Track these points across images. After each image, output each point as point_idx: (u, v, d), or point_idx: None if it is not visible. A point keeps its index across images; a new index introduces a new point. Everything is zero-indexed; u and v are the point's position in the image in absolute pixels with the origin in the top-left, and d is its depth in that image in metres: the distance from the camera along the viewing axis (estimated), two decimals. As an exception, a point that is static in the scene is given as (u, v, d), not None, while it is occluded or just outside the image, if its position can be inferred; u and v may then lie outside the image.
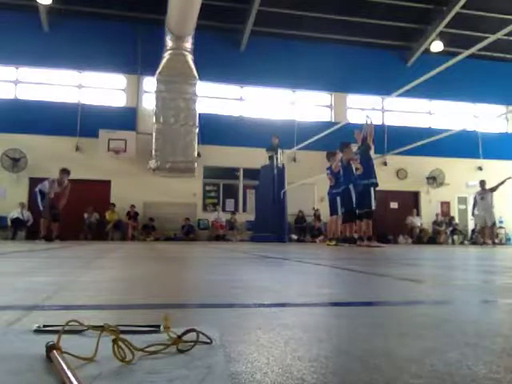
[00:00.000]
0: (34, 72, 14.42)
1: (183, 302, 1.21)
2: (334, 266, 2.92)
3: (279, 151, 11.30)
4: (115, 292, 1.42)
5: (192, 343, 0.61)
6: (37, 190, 9.39)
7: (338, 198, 8.50)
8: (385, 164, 15.00)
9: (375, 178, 7.80)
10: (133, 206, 13.77)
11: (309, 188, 13.91)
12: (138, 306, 1.09)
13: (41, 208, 9.33)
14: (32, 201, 13.49)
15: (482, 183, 12.02)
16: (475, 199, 12.02)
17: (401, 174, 16.01)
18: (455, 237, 15.49)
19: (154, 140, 12.40)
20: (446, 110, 17.02)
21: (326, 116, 16.05)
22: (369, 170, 7.82)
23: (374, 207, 7.70)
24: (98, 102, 14.53)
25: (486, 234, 12.29)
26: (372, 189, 7.69)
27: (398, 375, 0.53)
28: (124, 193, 13.67)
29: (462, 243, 15.00)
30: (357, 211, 7.98)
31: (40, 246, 5.73)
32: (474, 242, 14.34)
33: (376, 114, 16.15)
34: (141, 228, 13.83)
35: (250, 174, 14.33)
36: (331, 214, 8.94)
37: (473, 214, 12.48)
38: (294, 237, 13.81)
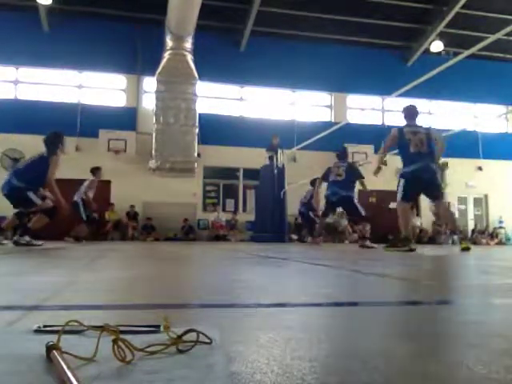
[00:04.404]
0: (33, 72, 14.42)
1: (183, 302, 1.21)
2: (333, 267, 2.92)
3: (279, 151, 11.29)
4: (115, 292, 1.42)
5: (192, 343, 0.61)
6: (78, 200, 9.03)
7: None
8: (385, 164, 14.98)
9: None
10: (132, 206, 13.78)
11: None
12: (138, 306, 1.09)
13: (84, 217, 9.09)
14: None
15: None
16: None
17: (401, 174, 15.99)
18: (455, 237, 15.48)
19: (154, 140, 12.40)
20: (446, 110, 17.02)
21: (326, 116, 16.05)
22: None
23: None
24: (98, 101, 14.53)
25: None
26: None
27: (397, 375, 0.53)
28: (124, 193, 13.67)
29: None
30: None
31: (41, 247, 5.73)
32: (474, 242, 14.32)
33: (376, 113, 16.17)
34: (141, 228, 13.83)
35: (250, 174, 14.33)
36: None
37: None
38: (294, 237, 13.81)
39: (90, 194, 9.25)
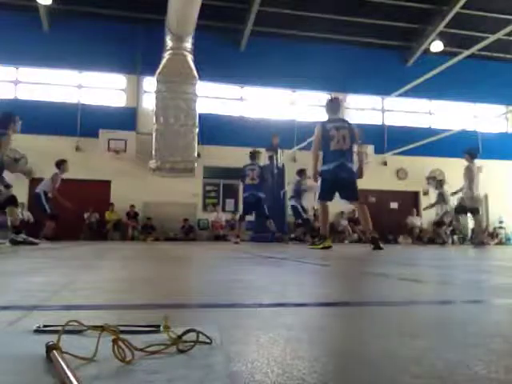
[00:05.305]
0: (33, 72, 14.42)
1: (183, 301, 1.21)
2: (333, 266, 2.92)
3: (279, 151, 11.29)
4: (115, 292, 1.42)
5: (192, 343, 0.61)
6: (40, 191, 8.89)
7: None
8: (385, 164, 15.01)
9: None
10: (132, 206, 13.78)
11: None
12: (138, 306, 1.09)
13: (48, 210, 8.95)
14: (32, 202, 13.51)
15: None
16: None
17: (401, 173, 16.01)
18: (455, 237, 15.48)
19: (153, 140, 12.40)
20: (446, 110, 17.02)
21: (326, 116, 16.03)
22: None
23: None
24: (98, 101, 14.54)
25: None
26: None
27: (398, 375, 0.53)
28: (124, 193, 13.67)
29: (462, 243, 14.99)
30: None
31: (39, 246, 5.73)
32: (474, 242, 14.29)
33: (376, 113, 16.16)
34: (141, 228, 13.83)
35: (250, 174, 14.32)
36: None
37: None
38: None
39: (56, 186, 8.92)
